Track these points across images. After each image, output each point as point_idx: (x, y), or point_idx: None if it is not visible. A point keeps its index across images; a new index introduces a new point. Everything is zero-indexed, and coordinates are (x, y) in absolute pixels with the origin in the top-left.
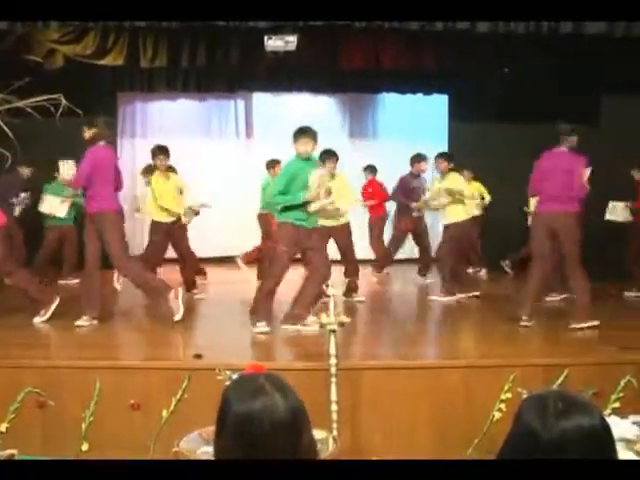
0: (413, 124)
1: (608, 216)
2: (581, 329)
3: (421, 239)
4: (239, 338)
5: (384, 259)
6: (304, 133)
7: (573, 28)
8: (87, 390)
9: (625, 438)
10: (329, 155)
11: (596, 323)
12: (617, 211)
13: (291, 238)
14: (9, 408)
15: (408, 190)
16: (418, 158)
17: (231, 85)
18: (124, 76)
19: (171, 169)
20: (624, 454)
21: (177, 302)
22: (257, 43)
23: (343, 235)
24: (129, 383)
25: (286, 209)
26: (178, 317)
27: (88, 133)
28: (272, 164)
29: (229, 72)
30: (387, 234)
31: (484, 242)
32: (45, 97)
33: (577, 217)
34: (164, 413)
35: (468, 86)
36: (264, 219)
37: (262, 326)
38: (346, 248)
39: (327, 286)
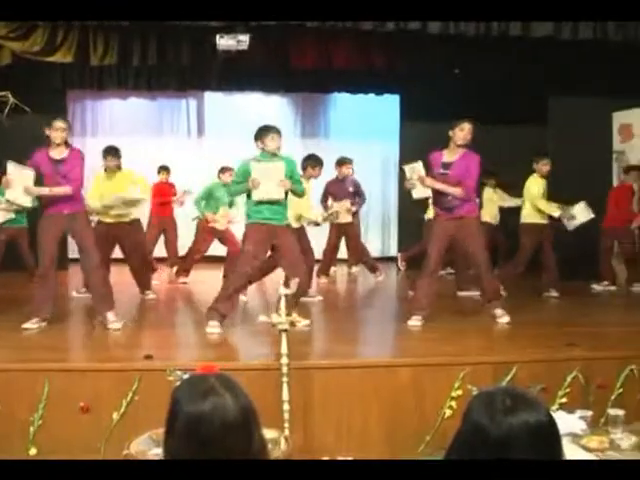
0: (365, 124)
1: (571, 226)
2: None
3: (351, 241)
4: (191, 338)
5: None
6: (271, 129)
7: (522, 30)
8: (35, 393)
9: (572, 433)
10: (315, 162)
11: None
12: (580, 213)
13: (256, 237)
14: None
15: (332, 194)
16: (342, 162)
17: (183, 84)
18: (74, 74)
19: (119, 169)
20: (571, 448)
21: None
22: (209, 42)
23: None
24: (78, 385)
25: (254, 209)
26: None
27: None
28: (224, 170)
29: (181, 71)
30: None
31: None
32: None
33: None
34: (114, 415)
35: (419, 86)
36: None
37: (214, 326)
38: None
39: (281, 285)
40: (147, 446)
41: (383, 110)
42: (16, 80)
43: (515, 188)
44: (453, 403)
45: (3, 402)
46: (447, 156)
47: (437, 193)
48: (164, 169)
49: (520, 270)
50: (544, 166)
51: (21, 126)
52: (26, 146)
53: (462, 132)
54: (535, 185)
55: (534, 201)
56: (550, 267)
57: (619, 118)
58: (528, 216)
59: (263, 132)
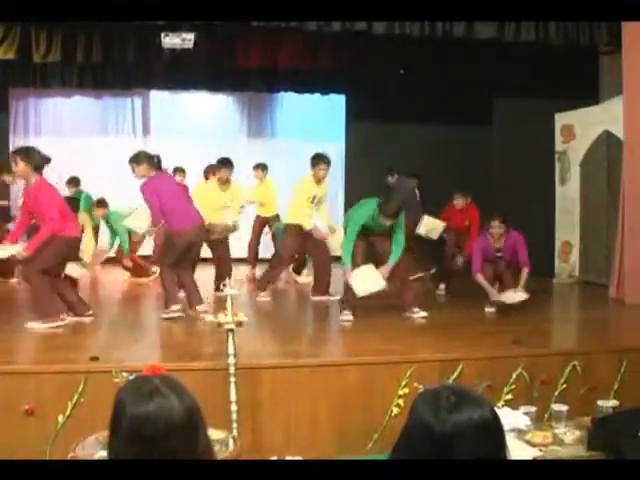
0: (311, 123)
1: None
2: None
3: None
4: (136, 339)
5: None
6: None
7: (466, 32)
8: None
9: (517, 428)
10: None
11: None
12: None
13: None
14: None
15: None
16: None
17: (128, 82)
18: (16, 71)
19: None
20: (515, 444)
21: None
22: (154, 40)
23: None
24: (22, 388)
25: None
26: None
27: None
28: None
29: (125, 69)
30: None
31: None
32: None
33: None
34: (60, 418)
35: (365, 86)
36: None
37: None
38: None
39: (224, 285)
40: (93, 448)
41: (329, 110)
42: None
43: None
44: (400, 401)
45: None
46: (496, 243)
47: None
48: (180, 170)
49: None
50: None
51: None
52: None
53: (496, 229)
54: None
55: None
56: None
57: (561, 119)
58: None
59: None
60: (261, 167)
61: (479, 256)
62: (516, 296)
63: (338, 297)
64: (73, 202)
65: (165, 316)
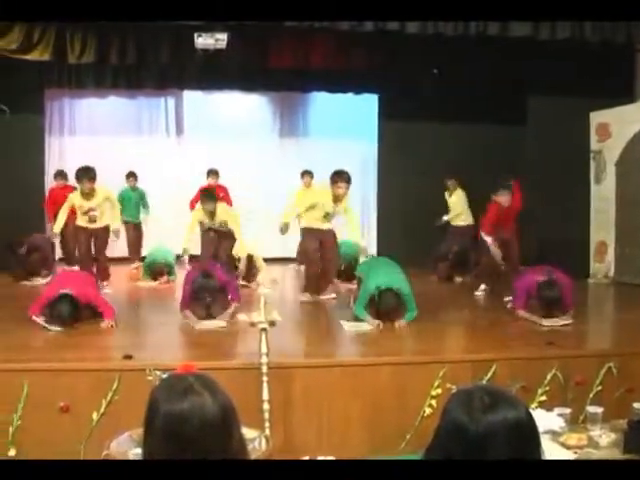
0: (343, 123)
1: None
2: None
3: None
4: (169, 338)
5: None
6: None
7: (500, 30)
8: (14, 393)
9: (551, 430)
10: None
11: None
12: None
13: None
14: None
15: None
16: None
17: (161, 82)
18: (51, 72)
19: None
20: (549, 446)
21: None
22: (187, 40)
23: None
24: (58, 385)
25: None
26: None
27: None
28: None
29: (159, 69)
30: None
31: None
32: None
33: None
34: (94, 415)
35: (398, 86)
36: None
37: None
38: None
39: (258, 285)
40: (127, 446)
41: (362, 109)
42: None
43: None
44: (433, 402)
45: None
46: None
47: None
48: (213, 173)
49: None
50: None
51: None
52: (4, 144)
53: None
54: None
55: None
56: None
57: (597, 118)
58: None
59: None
60: (308, 174)
61: (523, 294)
62: (560, 321)
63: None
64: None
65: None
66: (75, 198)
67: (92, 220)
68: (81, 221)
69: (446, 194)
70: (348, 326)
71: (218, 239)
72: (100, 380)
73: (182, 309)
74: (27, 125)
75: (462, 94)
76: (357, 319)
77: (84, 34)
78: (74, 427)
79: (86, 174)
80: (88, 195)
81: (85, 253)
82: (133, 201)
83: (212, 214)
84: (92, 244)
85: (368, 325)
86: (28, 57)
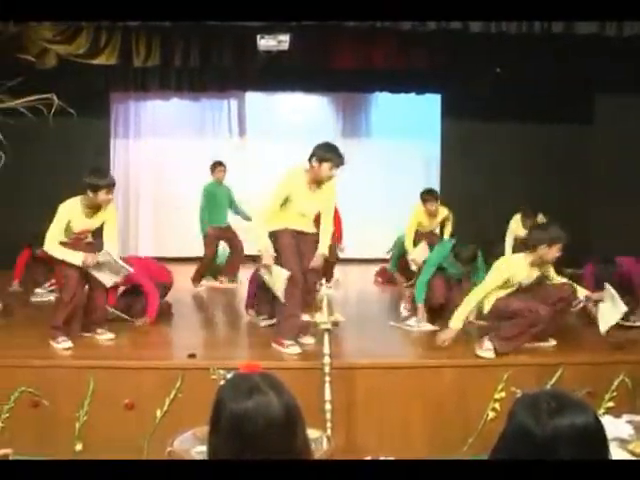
0: (406, 123)
1: None
2: None
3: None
4: (233, 337)
5: None
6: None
7: (565, 28)
8: (81, 390)
9: (619, 437)
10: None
11: None
12: None
13: None
14: (3, 407)
15: None
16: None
17: (224, 84)
18: (117, 76)
19: None
20: (617, 453)
21: None
22: (250, 42)
23: None
24: (123, 383)
25: None
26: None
27: None
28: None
29: (222, 71)
30: None
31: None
32: (38, 97)
33: None
34: (158, 413)
35: (461, 86)
36: None
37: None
38: None
39: (320, 285)
40: (190, 444)
41: (424, 109)
42: (61, 82)
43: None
44: (496, 405)
45: (49, 398)
46: None
47: None
48: (219, 164)
49: None
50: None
51: (65, 128)
52: (70, 147)
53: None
54: None
55: None
56: None
57: None
58: None
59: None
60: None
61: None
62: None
63: None
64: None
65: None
66: None
67: None
68: None
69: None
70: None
71: None
72: (164, 378)
73: (247, 308)
74: (93, 128)
75: (526, 93)
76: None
77: (149, 38)
78: (138, 424)
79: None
80: None
81: None
82: (221, 199)
83: None
84: None
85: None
86: (95, 62)
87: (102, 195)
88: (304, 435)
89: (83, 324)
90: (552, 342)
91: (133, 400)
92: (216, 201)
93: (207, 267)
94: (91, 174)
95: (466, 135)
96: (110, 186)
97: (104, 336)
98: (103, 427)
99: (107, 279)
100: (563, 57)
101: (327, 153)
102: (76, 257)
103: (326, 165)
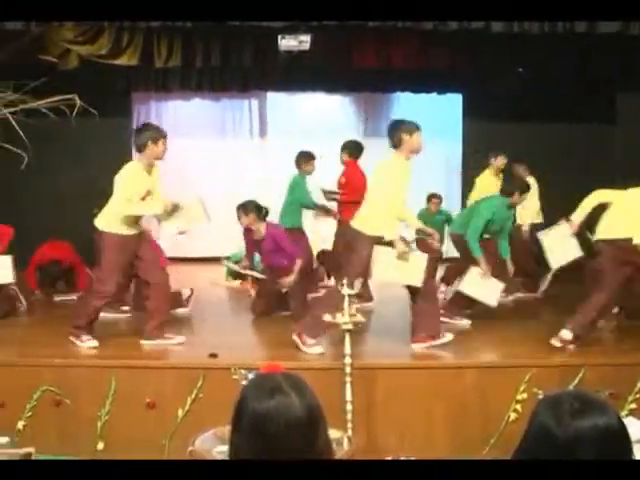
0: (427, 123)
1: None
2: None
3: None
4: (254, 337)
5: None
6: None
7: (588, 27)
8: (103, 389)
9: None
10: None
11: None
12: None
13: None
14: (26, 406)
15: None
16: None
17: (245, 84)
18: (139, 76)
19: None
20: None
21: None
22: (271, 42)
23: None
24: (144, 382)
25: None
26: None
27: None
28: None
29: (243, 71)
30: None
31: None
32: (60, 97)
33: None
34: (179, 412)
35: (482, 85)
36: None
37: None
38: None
39: (342, 285)
40: (212, 443)
41: (446, 109)
42: (82, 83)
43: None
44: (518, 406)
45: (71, 397)
46: None
47: None
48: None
49: None
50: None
51: (87, 128)
52: (92, 147)
53: None
54: None
55: None
56: None
57: None
58: None
59: None
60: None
61: None
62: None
63: None
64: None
65: None
66: None
67: None
68: None
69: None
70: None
71: None
72: (186, 378)
73: None
74: (115, 128)
75: (548, 92)
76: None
77: (170, 38)
78: (159, 423)
79: None
80: None
81: None
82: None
83: None
84: None
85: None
86: (116, 62)
87: (161, 145)
88: (326, 436)
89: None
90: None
91: (154, 399)
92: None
93: None
94: (146, 129)
95: (488, 135)
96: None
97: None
98: (124, 426)
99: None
100: (585, 56)
101: None
102: (157, 205)
103: None
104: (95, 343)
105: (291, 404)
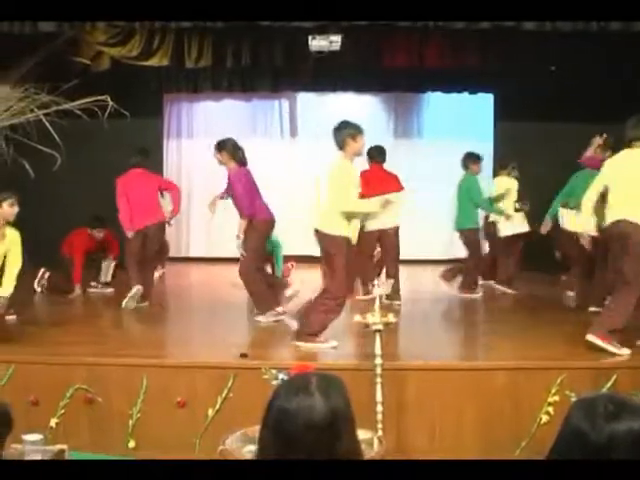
0: (458, 123)
1: None
2: None
3: None
4: (285, 337)
5: None
6: None
7: (622, 25)
8: (134, 387)
9: None
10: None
11: None
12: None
13: None
14: (59, 404)
15: None
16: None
17: (275, 85)
18: (170, 77)
19: None
20: None
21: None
22: (301, 43)
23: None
24: (175, 381)
25: None
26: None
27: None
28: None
29: (273, 72)
30: None
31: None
32: (92, 99)
33: None
34: (209, 411)
35: (514, 85)
36: None
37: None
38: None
39: (373, 286)
40: (242, 442)
41: (477, 109)
42: (114, 84)
43: None
44: (550, 409)
45: (103, 395)
46: None
47: None
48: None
49: None
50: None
51: (120, 129)
52: (125, 146)
53: None
54: None
55: None
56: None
57: None
58: None
59: None
60: None
61: None
62: None
63: None
64: None
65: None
66: None
67: None
68: None
69: None
70: None
71: None
72: (216, 377)
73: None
74: (147, 128)
75: (581, 92)
76: None
77: (201, 39)
78: (190, 422)
79: None
80: None
81: None
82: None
83: None
84: None
85: None
86: (148, 63)
87: (360, 141)
88: (351, 439)
89: None
90: None
91: (185, 398)
92: None
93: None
94: (343, 127)
95: (520, 135)
96: None
97: None
98: (155, 425)
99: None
100: (620, 55)
101: None
102: (374, 202)
103: None
104: (335, 343)
105: (313, 405)
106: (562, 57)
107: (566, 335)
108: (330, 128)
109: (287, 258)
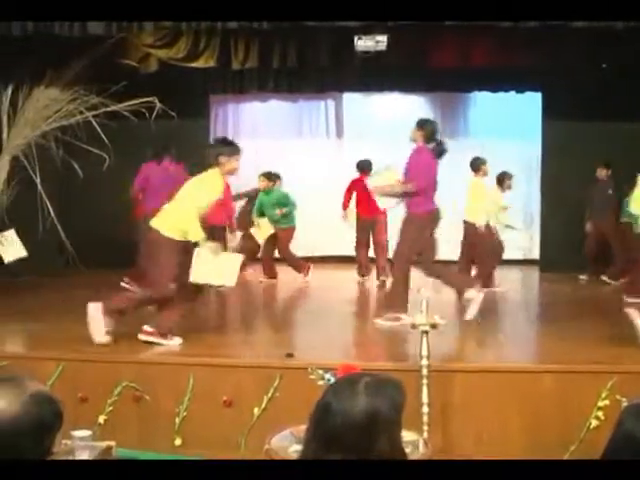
0: (506, 122)
1: None
2: None
3: None
4: (332, 337)
5: None
6: None
7: None
8: (181, 386)
9: None
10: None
11: None
12: None
13: None
14: (107, 401)
15: None
16: None
17: (321, 85)
18: (216, 78)
19: None
20: None
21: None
22: (347, 43)
23: None
24: (222, 380)
25: None
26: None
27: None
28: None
29: (319, 72)
30: None
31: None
32: (140, 100)
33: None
34: (255, 411)
35: (563, 83)
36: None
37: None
38: None
39: (418, 291)
40: (288, 442)
41: (524, 108)
42: (161, 86)
43: None
44: (600, 413)
45: (150, 393)
46: None
47: None
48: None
49: None
50: None
51: (167, 130)
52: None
53: None
54: None
55: None
56: None
57: None
58: None
59: None
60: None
61: None
62: None
63: None
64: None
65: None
66: None
67: None
68: None
69: None
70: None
71: None
72: (262, 377)
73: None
74: (194, 129)
75: (633, 91)
76: None
77: (247, 40)
78: (236, 421)
79: None
80: None
81: None
82: None
83: None
84: None
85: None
86: (194, 65)
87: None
88: (390, 443)
89: None
90: None
91: (231, 398)
92: None
93: None
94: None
95: (568, 135)
96: None
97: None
98: (202, 423)
99: None
100: None
101: None
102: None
103: None
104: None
105: (354, 405)
106: (612, 54)
107: (620, 336)
108: (375, 128)
109: (333, 258)
